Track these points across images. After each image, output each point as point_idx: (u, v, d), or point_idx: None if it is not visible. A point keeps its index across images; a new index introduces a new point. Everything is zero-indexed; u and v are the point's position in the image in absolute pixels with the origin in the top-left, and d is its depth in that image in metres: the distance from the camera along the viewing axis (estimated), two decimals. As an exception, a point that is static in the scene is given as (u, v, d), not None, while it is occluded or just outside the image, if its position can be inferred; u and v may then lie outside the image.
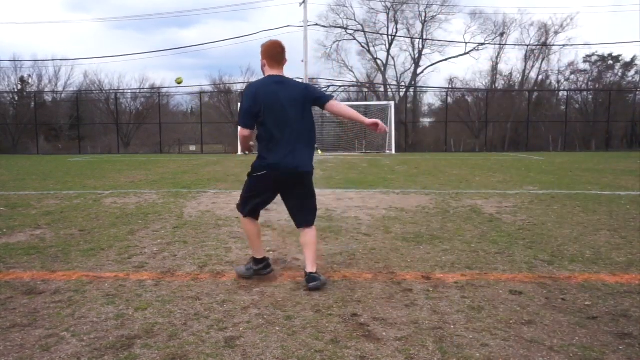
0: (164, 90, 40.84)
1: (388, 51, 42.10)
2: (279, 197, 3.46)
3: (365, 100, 35.19)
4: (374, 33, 41.63)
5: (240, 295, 3.14)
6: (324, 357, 2.30)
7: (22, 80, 38.21)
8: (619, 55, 38.60)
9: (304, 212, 3.39)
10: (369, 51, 42.37)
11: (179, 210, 6.36)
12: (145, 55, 77.38)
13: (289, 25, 35.37)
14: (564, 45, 39.89)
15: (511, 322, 2.70)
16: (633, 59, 37.97)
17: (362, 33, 41.49)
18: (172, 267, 3.78)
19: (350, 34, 41.68)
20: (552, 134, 34.82)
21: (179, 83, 6.48)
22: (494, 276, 3.52)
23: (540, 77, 41.76)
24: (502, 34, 41.53)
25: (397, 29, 41.51)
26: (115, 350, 2.36)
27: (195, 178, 10.88)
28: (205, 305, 2.97)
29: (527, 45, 40.74)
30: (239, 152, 24.15)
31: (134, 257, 4.08)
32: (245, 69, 50.64)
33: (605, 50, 42.20)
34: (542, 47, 40.66)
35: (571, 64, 40.29)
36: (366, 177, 10.96)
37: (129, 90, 39.40)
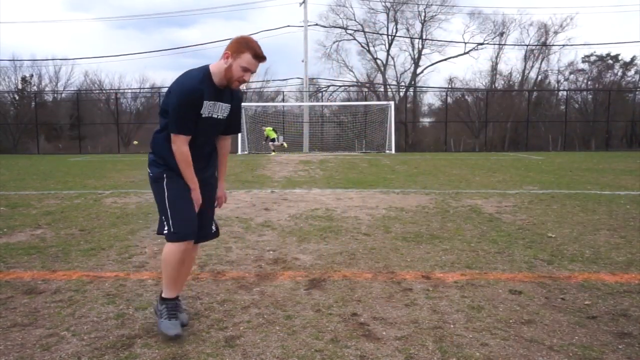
0: (164, 90, 40.83)
1: (388, 51, 42.13)
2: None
3: (365, 100, 35.19)
4: (373, 33, 41.67)
5: (240, 294, 3.15)
6: (324, 356, 2.31)
7: (23, 80, 38.22)
8: (618, 55, 38.64)
9: None
10: (368, 51, 42.41)
11: (179, 210, 6.35)
12: (145, 54, 77.39)
13: (289, 25, 35.28)
14: (563, 45, 39.90)
15: (511, 321, 2.71)
16: (632, 59, 38.00)
17: (362, 33, 41.53)
18: (172, 266, 3.79)
19: (350, 34, 41.72)
20: (551, 134, 34.83)
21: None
22: (494, 276, 3.52)
23: (539, 77, 41.79)
24: (501, 34, 41.57)
25: (396, 29, 41.54)
26: (115, 350, 2.37)
27: (195, 178, 10.87)
28: (205, 304, 2.98)
29: (527, 45, 40.77)
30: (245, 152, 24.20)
31: (135, 256, 4.08)
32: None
33: (604, 50, 42.28)
34: (541, 47, 40.68)
35: (571, 63, 40.34)
36: (366, 177, 10.96)
37: (129, 90, 39.43)
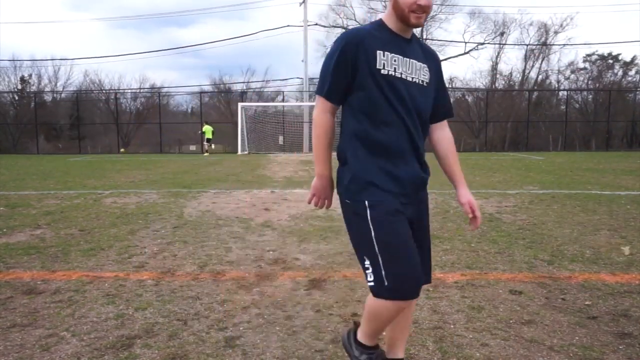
0: (164, 90, 40.93)
1: (388, 51, 42.10)
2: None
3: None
4: (373, 33, 41.67)
5: (241, 295, 3.14)
6: (324, 356, 2.30)
7: (22, 80, 38.23)
8: (619, 55, 38.64)
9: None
10: (368, 51, 42.38)
11: (179, 210, 6.36)
12: (145, 54, 77.47)
13: (289, 25, 35.36)
14: (563, 44, 39.91)
15: (511, 321, 2.70)
16: (633, 59, 38.01)
17: (362, 33, 41.54)
18: (172, 266, 3.79)
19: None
20: (552, 134, 34.82)
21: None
22: (494, 276, 3.52)
23: (540, 76, 41.80)
24: (501, 34, 41.58)
25: (397, 28, 41.54)
26: (115, 350, 2.36)
27: (196, 178, 10.88)
28: (205, 305, 2.97)
29: (527, 45, 40.78)
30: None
31: (134, 256, 4.08)
32: (245, 69, 50.73)
33: (605, 50, 42.24)
34: (542, 47, 40.69)
35: (571, 63, 40.36)
36: (366, 176, 10.95)
37: (129, 90, 39.46)
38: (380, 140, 1.76)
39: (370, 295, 1.81)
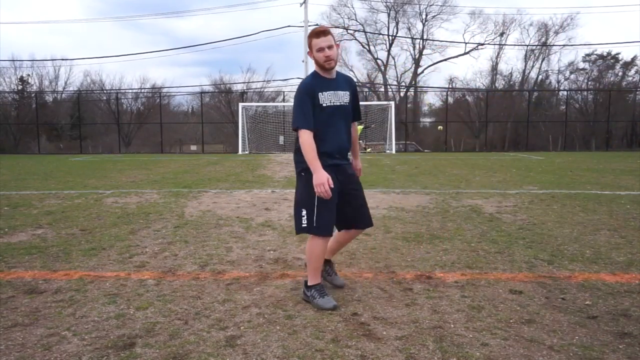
0: (165, 90, 40.96)
1: (388, 51, 42.20)
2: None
3: (366, 100, 35.19)
4: (374, 33, 41.73)
5: (241, 294, 3.15)
6: (324, 356, 2.31)
7: (22, 80, 38.25)
8: (619, 55, 38.63)
9: None
10: (369, 51, 42.45)
11: (180, 210, 6.37)
12: (146, 54, 77.45)
13: (289, 25, 35.35)
14: (564, 45, 39.96)
15: (511, 321, 2.71)
16: (633, 59, 38.00)
17: (363, 33, 41.57)
18: (173, 266, 3.79)
19: (351, 34, 41.77)
20: (552, 134, 34.83)
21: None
22: (494, 275, 3.53)
23: (540, 77, 41.80)
24: (502, 34, 41.59)
25: (397, 28, 41.58)
26: (116, 350, 2.37)
27: (196, 178, 10.89)
28: (206, 304, 2.98)
29: (527, 45, 40.78)
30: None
31: (135, 256, 4.09)
32: (245, 68, 50.73)
33: (605, 50, 42.21)
34: (542, 47, 40.68)
35: (571, 63, 40.35)
36: (366, 176, 10.95)
37: (130, 90, 39.48)
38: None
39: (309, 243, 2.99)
